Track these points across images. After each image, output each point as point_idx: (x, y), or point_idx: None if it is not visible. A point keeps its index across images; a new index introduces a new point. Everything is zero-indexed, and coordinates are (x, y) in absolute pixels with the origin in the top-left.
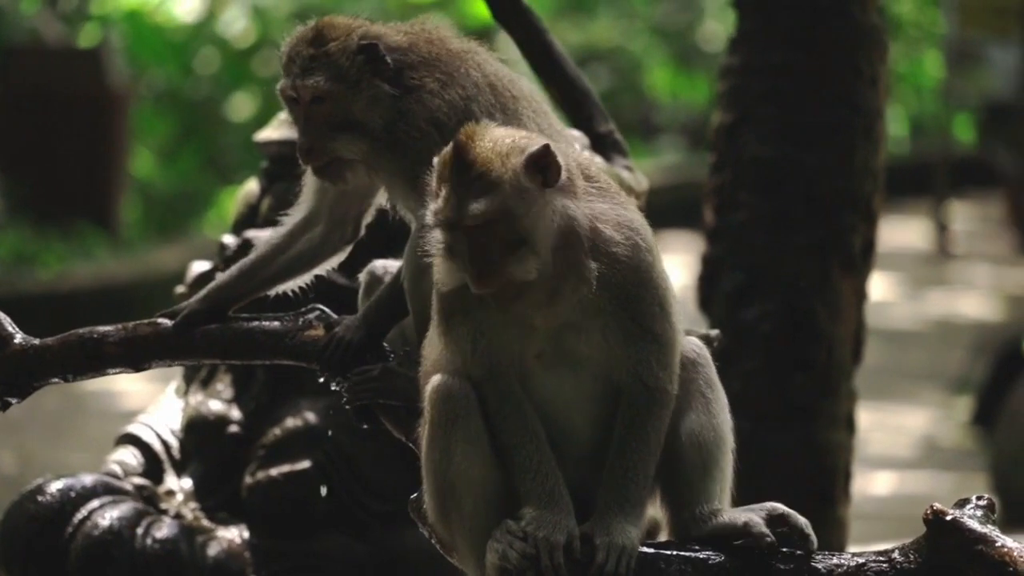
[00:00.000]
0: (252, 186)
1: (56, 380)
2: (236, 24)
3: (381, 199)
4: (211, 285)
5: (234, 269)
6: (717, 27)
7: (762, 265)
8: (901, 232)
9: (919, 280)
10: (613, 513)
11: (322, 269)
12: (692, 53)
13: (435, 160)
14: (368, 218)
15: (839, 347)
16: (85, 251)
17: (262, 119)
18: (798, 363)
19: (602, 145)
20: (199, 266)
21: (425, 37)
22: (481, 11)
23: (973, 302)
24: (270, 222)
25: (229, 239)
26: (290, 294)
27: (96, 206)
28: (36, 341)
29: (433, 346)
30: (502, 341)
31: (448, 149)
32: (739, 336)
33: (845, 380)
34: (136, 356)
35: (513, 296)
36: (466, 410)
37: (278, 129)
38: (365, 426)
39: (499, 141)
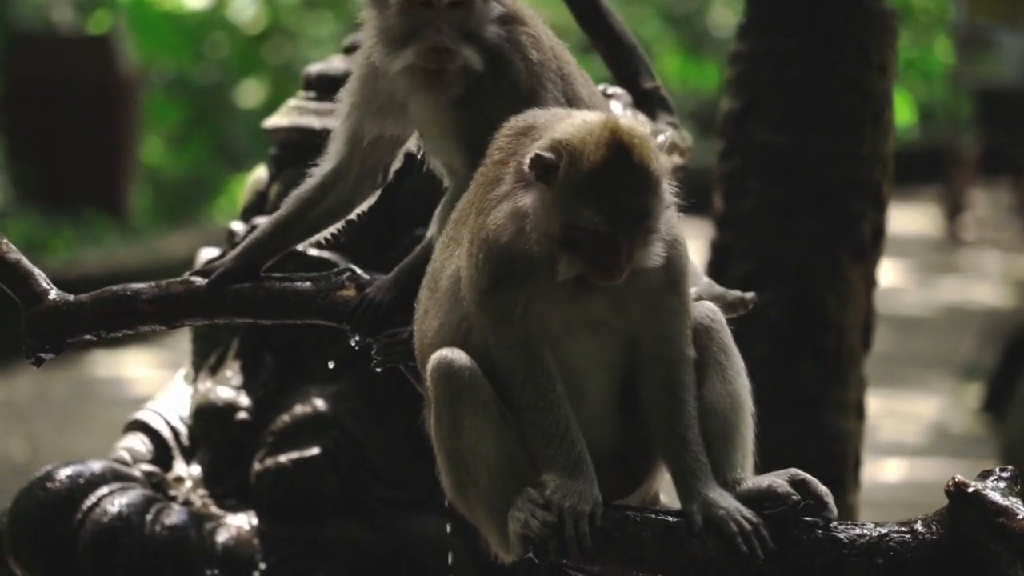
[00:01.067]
0: (261, 173)
1: (90, 336)
2: (246, 11)
3: (410, 145)
4: (244, 243)
5: (267, 226)
6: (727, 13)
7: (771, 252)
8: (912, 219)
9: (929, 267)
10: (703, 482)
11: (353, 215)
12: (702, 39)
13: (577, 162)
14: (397, 164)
15: (848, 334)
16: (94, 238)
17: (272, 106)
18: (807, 350)
19: (647, 101)
20: (207, 253)
21: None
22: None
23: (983, 289)
24: (279, 208)
25: (238, 226)
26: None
27: (105, 193)
28: (70, 297)
29: (432, 316)
30: (548, 306)
31: (605, 153)
32: (748, 323)
33: (854, 367)
34: (169, 314)
35: (626, 281)
36: (470, 384)
37: (287, 116)
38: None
39: (639, 132)
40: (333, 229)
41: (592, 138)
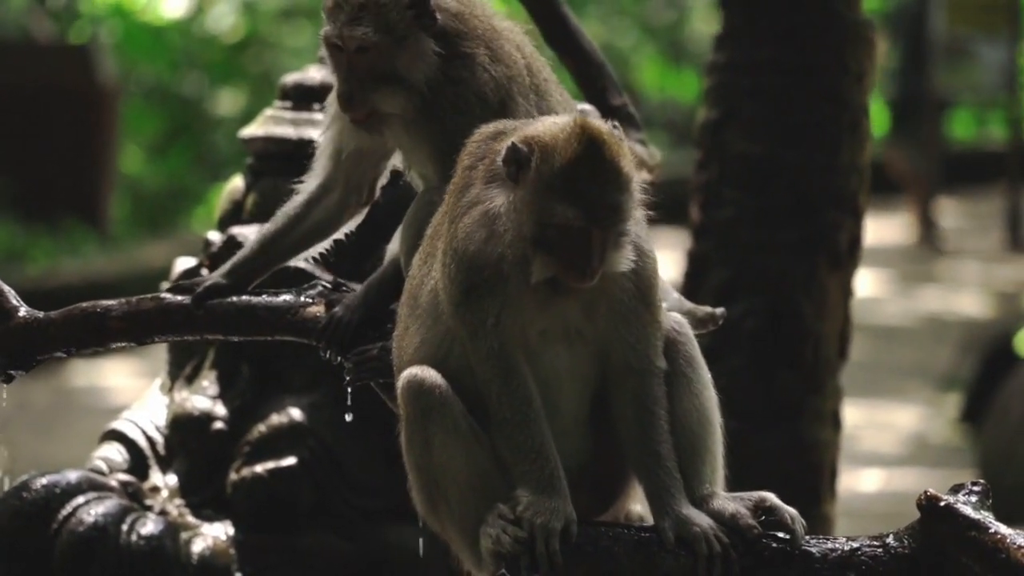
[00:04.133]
0: (237, 182)
1: (60, 354)
2: (225, 20)
3: (396, 161)
4: (233, 260)
5: (255, 243)
6: (705, 25)
7: (748, 262)
8: (891, 228)
9: (908, 276)
10: (676, 498)
11: (340, 234)
12: (680, 50)
13: (549, 158)
14: (383, 180)
15: (825, 344)
16: (73, 247)
17: (250, 115)
18: (784, 360)
19: (615, 118)
20: (184, 262)
21: (472, 11)
22: None
23: (962, 299)
24: (255, 218)
25: (214, 235)
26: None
27: (84, 202)
28: (40, 314)
29: (412, 333)
30: (520, 315)
31: (577, 148)
32: (725, 333)
33: (831, 377)
34: (139, 331)
35: (598, 288)
36: (440, 401)
37: (263, 125)
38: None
39: (609, 130)
40: (322, 246)
41: (563, 134)
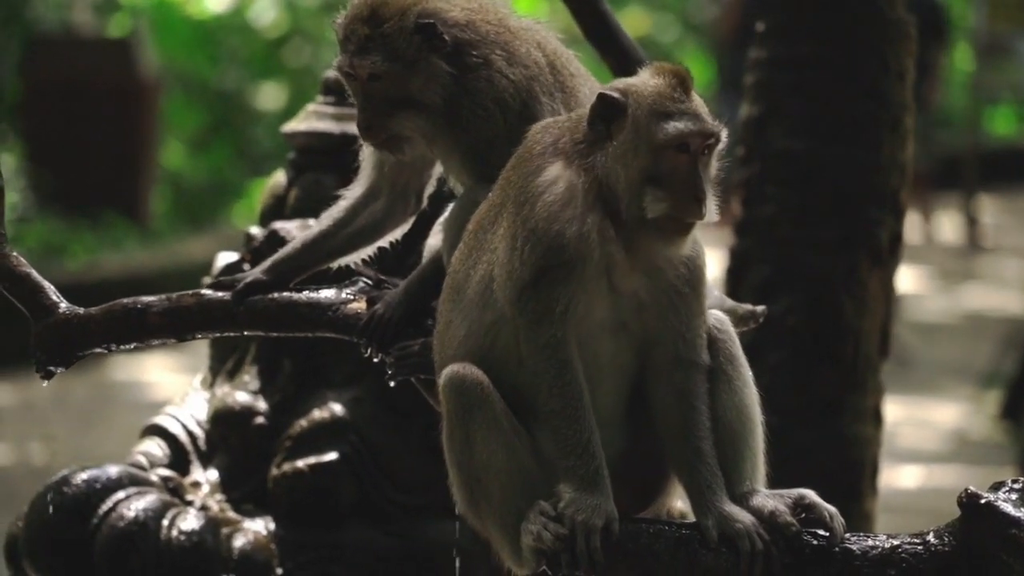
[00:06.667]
0: (279, 177)
1: (100, 349)
2: (266, 14)
3: (440, 169)
4: (274, 257)
5: (297, 242)
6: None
7: (789, 258)
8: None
9: (949, 274)
10: (718, 496)
11: (385, 241)
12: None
13: (646, 92)
14: (430, 188)
15: (866, 341)
16: (114, 242)
17: (292, 109)
18: (825, 357)
19: None
20: (225, 257)
21: (483, 16)
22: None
23: (1003, 296)
24: (297, 213)
25: (256, 230)
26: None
27: (125, 197)
28: (80, 310)
29: (456, 326)
30: (590, 299)
31: (670, 78)
32: (765, 329)
33: (872, 374)
34: (179, 327)
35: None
36: (481, 398)
37: (305, 121)
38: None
39: None
40: (364, 253)
41: (648, 73)
